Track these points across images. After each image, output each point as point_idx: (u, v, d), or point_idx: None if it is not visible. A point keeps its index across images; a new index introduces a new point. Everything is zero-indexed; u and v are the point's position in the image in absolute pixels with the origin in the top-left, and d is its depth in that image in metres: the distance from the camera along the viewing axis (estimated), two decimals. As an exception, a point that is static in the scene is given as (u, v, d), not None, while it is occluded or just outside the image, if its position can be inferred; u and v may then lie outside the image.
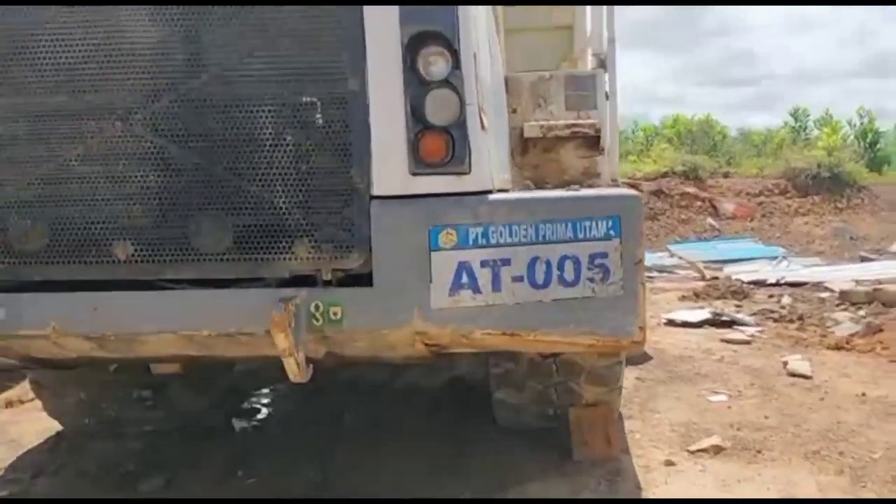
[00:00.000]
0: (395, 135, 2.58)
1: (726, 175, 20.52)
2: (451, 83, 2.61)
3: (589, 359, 4.57)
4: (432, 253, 2.57)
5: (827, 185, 18.91)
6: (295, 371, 2.61)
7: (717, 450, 4.76)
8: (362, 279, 2.63)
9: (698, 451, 4.77)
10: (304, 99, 2.61)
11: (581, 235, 2.67)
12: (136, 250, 2.65)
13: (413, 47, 2.61)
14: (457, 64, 2.63)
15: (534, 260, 2.64)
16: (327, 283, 2.63)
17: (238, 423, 5.59)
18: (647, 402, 5.77)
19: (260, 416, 5.81)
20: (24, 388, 6.54)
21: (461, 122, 2.61)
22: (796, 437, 4.98)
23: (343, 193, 2.60)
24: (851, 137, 26.07)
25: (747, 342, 7.75)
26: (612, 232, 2.69)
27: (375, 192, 2.58)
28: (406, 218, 2.57)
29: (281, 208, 2.61)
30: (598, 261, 2.69)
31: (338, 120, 2.60)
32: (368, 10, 2.58)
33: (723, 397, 5.91)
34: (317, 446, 4.93)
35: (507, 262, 2.63)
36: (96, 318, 2.66)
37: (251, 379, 6.42)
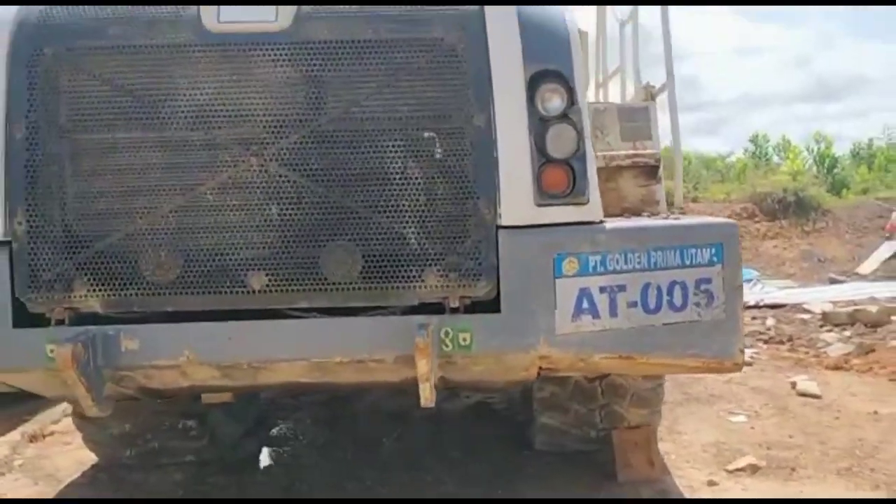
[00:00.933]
0: (521, 168, 2.71)
1: (695, 200, 21.07)
2: (570, 118, 2.77)
3: (634, 381, 4.71)
4: (557, 280, 2.70)
5: (793, 208, 19.54)
6: (428, 395, 2.71)
7: (753, 469, 4.93)
8: (487, 305, 2.74)
9: (736, 470, 4.94)
10: (430, 134, 2.73)
11: (688, 262, 2.83)
12: (269, 280, 2.73)
13: (533, 85, 2.76)
14: (573, 100, 2.78)
15: (646, 286, 2.79)
16: (454, 310, 2.74)
17: (273, 452, 5.60)
18: (673, 424, 5.93)
19: (293, 444, 5.82)
20: (41, 422, 6.47)
21: (580, 155, 2.76)
22: (825, 455, 5.18)
23: (470, 224, 2.71)
24: (810, 162, 26.96)
25: (748, 363, 7.98)
26: (715, 258, 2.85)
27: (503, 222, 2.71)
28: (533, 247, 2.70)
29: (410, 238, 2.72)
30: (703, 286, 2.85)
31: (465, 154, 2.72)
32: (494, 50, 2.72)
33: (742, 417, 6.11)
34: (359, 473, 4.98)
35: (622, 288, 2.76)
36: (231, 347, 2.73)
37: (274, 408, 6.47)
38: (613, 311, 2.75)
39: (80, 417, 4.95)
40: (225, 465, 5.17)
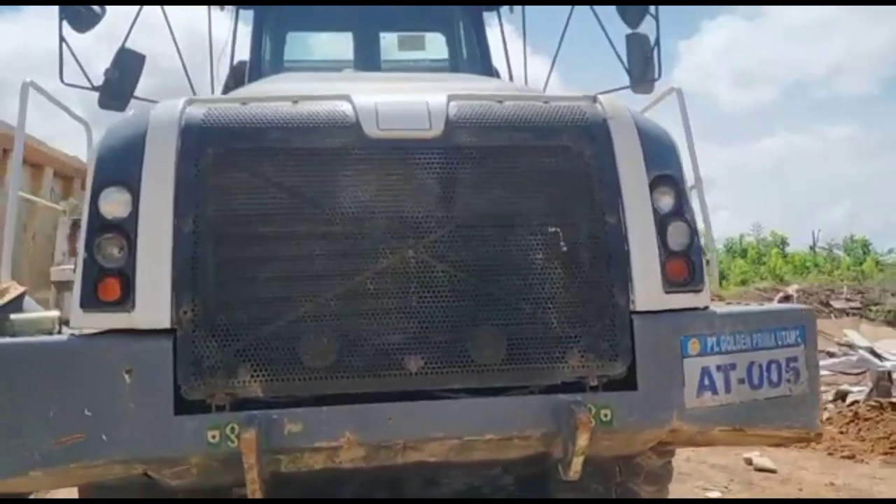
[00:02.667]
0: (650, 259, 3.05)
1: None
2: (684, 216, 3.14)
3: (648, 459, 5.03)
4: (684, 359, 3.02)
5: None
6: (578, 470, 2.93)
7: (753, 539, 5.30)
8: (622, 384, 3.01)
9: (737, 541, 5.30)
10: (566, 229, 3.04)
11: (779, 343, 3.22)
12: (424, 363, 2.91)
13: (651, 187, 3.13)
14: (681, 199, 3.17)
15: (751, 364, 3.15)
16: (592, 389, 3.00)
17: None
18: (657, 501, 6.25)
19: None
20: None
21: (695, 248, 3.14)
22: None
23: (607, 309, 3.01)
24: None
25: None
26: (799, 339, 3.25)
27: (636, 308, 3.02)
28: (665, 329, 3.01)
29: (552, 323, 2.98)
30: (791, 364, 3.23)
31: (599, 247, 3.03)
32: (620, 157, 3.08)
33: (717, 493, 6.51)
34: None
35: (733, 366, 3.11)
36: (390, 428, 2.87)
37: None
38: (727, 388, 3.08)
39: None
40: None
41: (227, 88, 6.21)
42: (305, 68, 6.25)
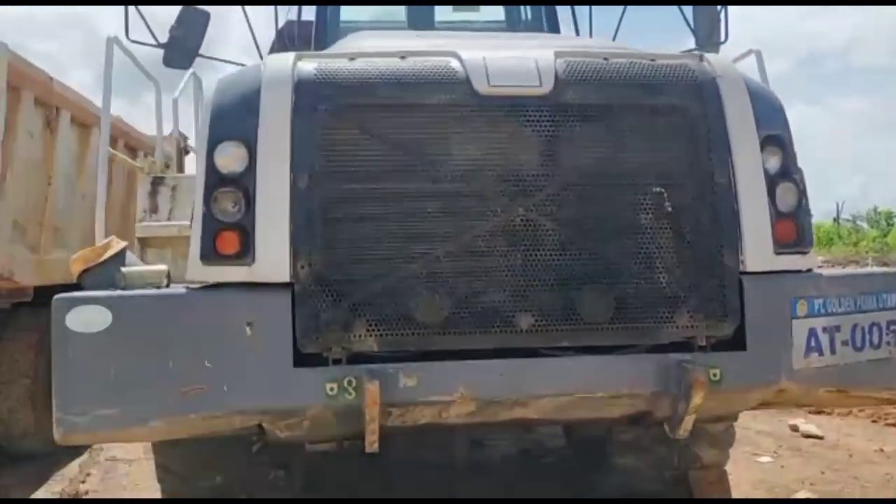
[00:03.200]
0: (761, 220, 3.04)
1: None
2: (793, 177, 3.14)
3: (711, 423, 5.06)
4: (793, 321, 3.03)
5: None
6: (689, 428, 2.96)
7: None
8: (729, 344, 3.03)
9: (799, 504, 5.35)
10: (675, 190, 3.03)
11: (881, 306, 3.23)
12: (535, 321, 2.93)
13: (760, 146, 3.12)
14: (790, 160, 3.16)
15: (854, 326, 3.16)
16: (701, 348, 3.01)
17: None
18: (710, 466, 6.30)
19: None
20: (62, 482, 6.23)
21: (804, 210, 3.13)
22: (865, 489, 5.67)
23: (716, 270, 3.01)
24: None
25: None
26: (900, 302, 3.26)
27: (746, 268, 3.02)
28: (774, 291, 3.02)
29: (661, 283, 2.99)
30: (892, 327, 3.25)
31: (709, 207, 3.03)
32: (730, 117, 3.07)
33: (768, 458, 6.57)
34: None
35: (837, 328, 3.12)
36: (502, 384, 2.89)
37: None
38: (833, 349, 3.10)
39: (166, 471, 4.82)
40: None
41: (274, 51, 6.17)
42: (361, 28, 6.21)
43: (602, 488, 5.38)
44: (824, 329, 3.09)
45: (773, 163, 3.13)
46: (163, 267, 3.16)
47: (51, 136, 6.71)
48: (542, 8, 5.78)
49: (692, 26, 5.46)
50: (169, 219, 4.20)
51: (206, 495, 4.80)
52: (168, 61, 5.28)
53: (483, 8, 6.57)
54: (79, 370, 2.83)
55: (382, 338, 2.87)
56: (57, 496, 5.88)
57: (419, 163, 2.95)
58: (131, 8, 5.03)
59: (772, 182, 3.11)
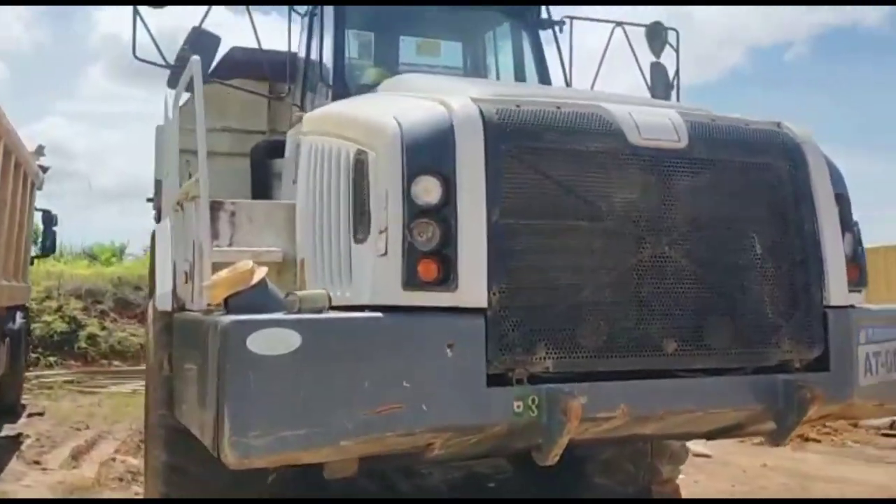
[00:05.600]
0: (839, 262, 3.67)
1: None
2: (852, 228, 3.81)
3: (672, 441, 5.70)
4: (858, 347, 3.67)
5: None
6: (792, 437, 3.50)
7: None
8: (813, 366, 3.60)
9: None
10: (774, 235, 3.59)
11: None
12: (677, 345, 3.35)
13: None
14: (850, 213, 3.83)
15: (887, 352, 3.86)
16: (796, 370, 3.56)
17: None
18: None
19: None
20: None
21: (861, 254, 3.81)
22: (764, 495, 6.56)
23: (808, 304, 3.59)
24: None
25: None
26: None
27: (829, 303, 3.62)
28: (849, 322, 3.65)
29: (768, 314, 3.52)
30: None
31: (802, 252, 3.61)
32: (814, 178, 3.68)
33: (681, 476, 7.32)
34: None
35: (878, 353, 3.81)
36: (655, 401, 3.29)
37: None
38: (877, 370, 3.77)
39: (178, 473, 4.54)
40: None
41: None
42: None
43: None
44: (875, 353, 3.76)
45: (841, 216, 3.78)
46: (323, 291, 3.24)
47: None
48: (535, 59, 6.14)
49: (650, 89, 6.13)
50: (230, 244, 4.15)
51: (215, 495, 4.60)
52: (173, 84, 5.16)
53: (443, 53, 6.85)
54: (261, 392, 2.86)
55: (557, 360, 3.17)
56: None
57: (583, 203, 3.29)
58: (139, 26, 4.93)
59: (842, 231, 3.75)
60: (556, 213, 3.26)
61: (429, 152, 3.16)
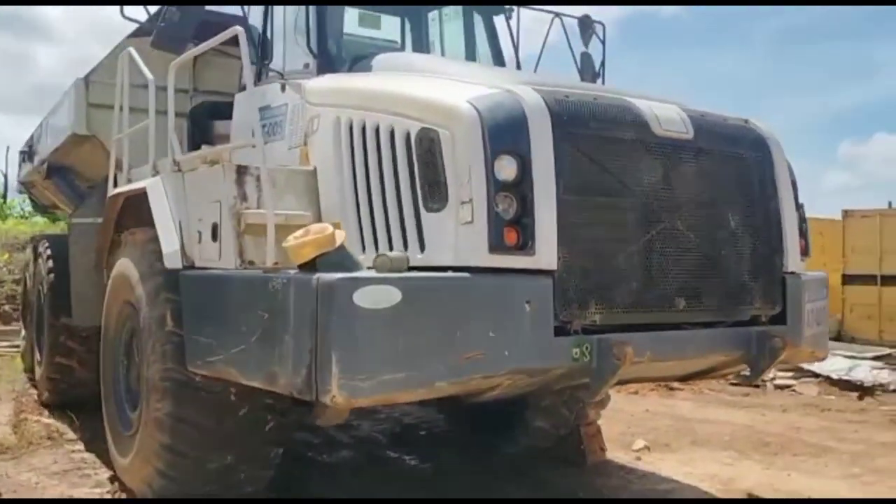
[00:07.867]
0: (794, 236, 4.52)
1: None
2: (801, 207, 4.68)
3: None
4: (805, 305, 4.55)
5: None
6: (764, 377, 4.32)
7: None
8: (776, 320, 4.44)
9: (636, 450, 7.04)
10: (753, 214, 4.37)
11: (823, 297, 4.91)
12: (685, 303, 4.06)
13: None
14: (797, 195, 4.69)
15: (819, 309, 4.79)
16: (763, 324, 4.38)
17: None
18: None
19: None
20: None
21: (807, 229, 4.69)
22: (667, 434, 7.59)
23: (773, 269, 4.42)
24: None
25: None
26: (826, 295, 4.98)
27: (788, 269, 4.47)
28: (801, 285, 4.51)
29: (745, 277, 4.31)
30: (825, 311, 4.95)
31: (771, 227, 4.42)
32: (777, 165, 4.49)
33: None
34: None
35: (812, 311, 4.71)
36: (673, 348, 4.01)
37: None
38: (815, 323, 4.68)
39: (174, 453, 4.73)
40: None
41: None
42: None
43: (507, 447, 6.52)
44: (811, 311, 4.66)
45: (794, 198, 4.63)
46: (403, 254, 3.66)
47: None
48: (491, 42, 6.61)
49: (581, 75, 6.82)
50: (257, 207, 4.35)
51: (213, 476, 4.77)
52: (157, 44, 5.22)
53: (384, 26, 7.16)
54: (366, 341, 3.30)
55: (602, 314, 3.80)
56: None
57: (618, 182, 3.91)
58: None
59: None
60: (599, 190, 3.86)
61: (507, 134, 3.64)
